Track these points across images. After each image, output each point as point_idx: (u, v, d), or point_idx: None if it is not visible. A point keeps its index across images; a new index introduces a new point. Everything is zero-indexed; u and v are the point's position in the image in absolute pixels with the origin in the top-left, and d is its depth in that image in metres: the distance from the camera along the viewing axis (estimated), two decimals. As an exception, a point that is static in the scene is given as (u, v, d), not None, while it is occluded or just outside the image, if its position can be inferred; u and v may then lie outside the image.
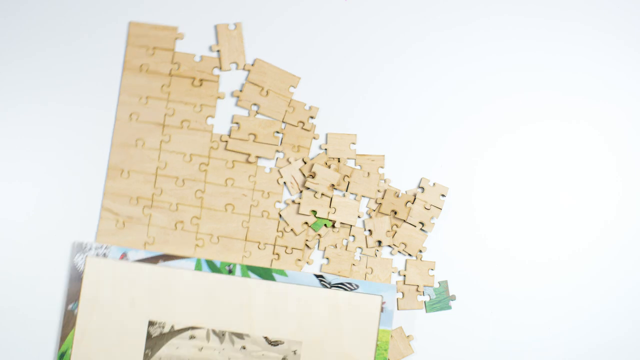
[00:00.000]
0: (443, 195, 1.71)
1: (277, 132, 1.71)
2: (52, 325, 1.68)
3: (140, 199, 1.71)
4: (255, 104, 1.72)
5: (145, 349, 1.65)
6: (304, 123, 1.72)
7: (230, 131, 1.72)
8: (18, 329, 1.68)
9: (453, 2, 1.74)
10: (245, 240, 1.71)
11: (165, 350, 1.65)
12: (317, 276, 1.66)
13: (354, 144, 1.72)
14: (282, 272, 1.66)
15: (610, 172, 1.74)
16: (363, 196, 1.72)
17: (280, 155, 1.72)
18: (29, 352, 1.68)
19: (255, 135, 1.71)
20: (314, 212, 1.71)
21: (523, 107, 1.74)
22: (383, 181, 1.72)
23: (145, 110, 1.72)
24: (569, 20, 1.74)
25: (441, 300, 1.71)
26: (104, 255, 1.66)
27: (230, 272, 1.66)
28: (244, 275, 1.66)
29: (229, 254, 1.70)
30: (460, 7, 1.74)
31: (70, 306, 1.66)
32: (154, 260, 1.66)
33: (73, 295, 1.66)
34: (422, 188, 1.72)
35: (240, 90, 1.72)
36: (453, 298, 1.71)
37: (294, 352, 1.65)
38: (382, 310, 1.66)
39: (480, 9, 1.74)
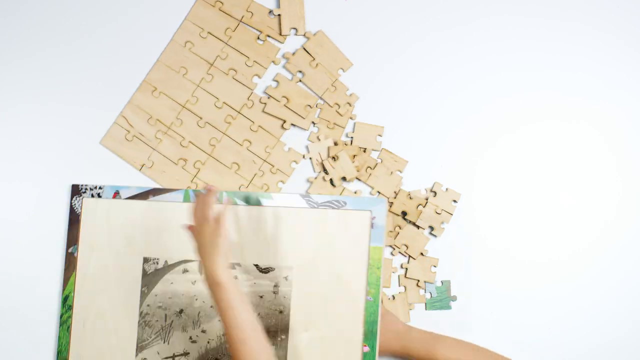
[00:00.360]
0: (455, 201, 1.69)
1: (310, 106, 1.70)
2: (55, 269, 1.68)
3: (159, 123, 1.73)
4: (300, 72, 1.73)
5: (142, 286, 1.63)
6: (339, 106, 1.71)
7: (266, 88, 1.72)
8: (20, 277, 1.70)
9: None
10: (236, 201, 1.72)
11: (160, 286, 1.62)
12: (304, 196, 1.57)
13: (380, 135, 1.71)
14: (268, 196, 1.60)
15: (610, 172, 1.72)
16: (379, 192, 1.69)
17: (315, 129, 1.71)
18: (32, 298, 1.69)
19: (287, 99, 1.70)
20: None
21: (523, 107, 1.73)
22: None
23: (201, 44, 1.75)
24: (569, 20, 1.76)
25: (442, 300, 1.65)
26: (99, 195, 1.67)
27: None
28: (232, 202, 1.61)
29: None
30: (463, 6, 1.76)
31: (70, 249, 1.66)
32: (144, 195, 1.65)
33: (72, 239, 1.67)
34: (434, 192, 1.69)
35: (292, 54, 1.73)
36: (454, 299, 1.66)
37: (285, 278, 1.58)
38: (372, 226, 1.54)
39: (480, 9, 1.75)
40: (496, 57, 1.73)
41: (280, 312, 1.58)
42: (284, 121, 1.69)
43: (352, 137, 1.69)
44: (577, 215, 1.70)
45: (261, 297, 1.59)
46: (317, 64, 1.71)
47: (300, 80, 1.70)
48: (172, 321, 1.61)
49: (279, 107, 1.70)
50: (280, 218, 1.61)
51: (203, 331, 1.60)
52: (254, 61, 1.71)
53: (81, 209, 1.68)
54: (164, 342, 1.61)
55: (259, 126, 1.70)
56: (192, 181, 1.68)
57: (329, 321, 1.56)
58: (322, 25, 1.72)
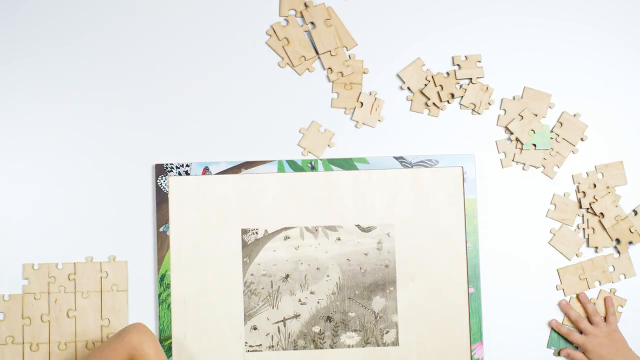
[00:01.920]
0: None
1: (304, 58, 1.74)
2: (147, 250, 1.70)
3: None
4: (312, 23, 1.74)
5: (243, 257, 1.68)
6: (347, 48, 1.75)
7: (274, 23, 1.75)
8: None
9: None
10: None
11: (262, 255, 1.68)
12: (397, 158, 1.68)
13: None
14: (363, 160, 1.68)
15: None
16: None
17: (335, 95, 1.74)
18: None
19: (288, 41, 1.74)
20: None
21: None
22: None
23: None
24: (569, 20, 1.76)
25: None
26: (186, 173, 1.68)
27: (313, 168, 1.68)
28: (327, 169, 1.68)
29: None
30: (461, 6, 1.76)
31: (161, 228, 1.68)
32: (235, 170, 1.68)
33: (162, 218, 1.68)
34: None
35: (315, 5, 1.75)
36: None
37: (388, 235, 1.69)
38: (464, 180, 1.68)
39: (481, 8, 1.76)
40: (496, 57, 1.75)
41: (386, 266, 1.69)
42: (282, 58, 1.73)
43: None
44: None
45: (366, 254, 1.68)
46: (331, 24, 1.73)
47: (308, 31, 1.74)
48: (279, 287, 1.68)
49: (279, 45, 1.74)
50: (377, 180, 1.69)
51: (312, 292, 1.68)
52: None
53: (168, 187, 1.68)
54: (273, 307, 1.68)
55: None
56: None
57: (433, 270, 1.68)
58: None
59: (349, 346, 1.68)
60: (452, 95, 1.72)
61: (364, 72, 1.73)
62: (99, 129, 1.71)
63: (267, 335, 1.68)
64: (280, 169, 1.69)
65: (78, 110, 1.71)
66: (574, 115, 1.73)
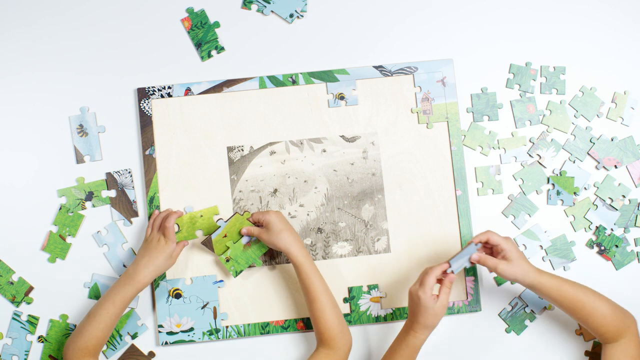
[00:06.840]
0: None
1: None
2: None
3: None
4: None
5: (230, 175, 1.69)
6: None
7: None
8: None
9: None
10: None
11: (249, 171, 1.69)
12: (377, 67, 1.69)
13: None
14: (343, 71, 1.69)
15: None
16: None
17: None
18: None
19: None
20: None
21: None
22: None
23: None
24: None
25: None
26: (169, 95, 1.69)
27: (294, 82, 1.69)
28: (308, 82, 1.69)
29: None
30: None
31: (147, 151, 1.69)
32: (217, 89, 1.69)
33: (148, 141, 1.69)
34: None
35: None
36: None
37: (372, 143, 1.70)
38: (444, 85, 1.69)
39: None
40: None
41: (373, 174, 1.70)
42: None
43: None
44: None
45: (352, 164, 1.69)
46: None
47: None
48: (268, 202, 1.69)
49: None
50: (358, 90, 1.70)
51: (301, 205, 1.70)
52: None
53: (152, 110, 1.70)
54: (263, 222, 1.70)
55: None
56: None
57: (420, 175, 1.69)
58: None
59: (341, 256, 1.69)
60: None
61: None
62: (80, 56, 1.72)
63: (259, 250, 1.70)
64: (262, 85, 1.70)
65: (57, 38, 1.72)
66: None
